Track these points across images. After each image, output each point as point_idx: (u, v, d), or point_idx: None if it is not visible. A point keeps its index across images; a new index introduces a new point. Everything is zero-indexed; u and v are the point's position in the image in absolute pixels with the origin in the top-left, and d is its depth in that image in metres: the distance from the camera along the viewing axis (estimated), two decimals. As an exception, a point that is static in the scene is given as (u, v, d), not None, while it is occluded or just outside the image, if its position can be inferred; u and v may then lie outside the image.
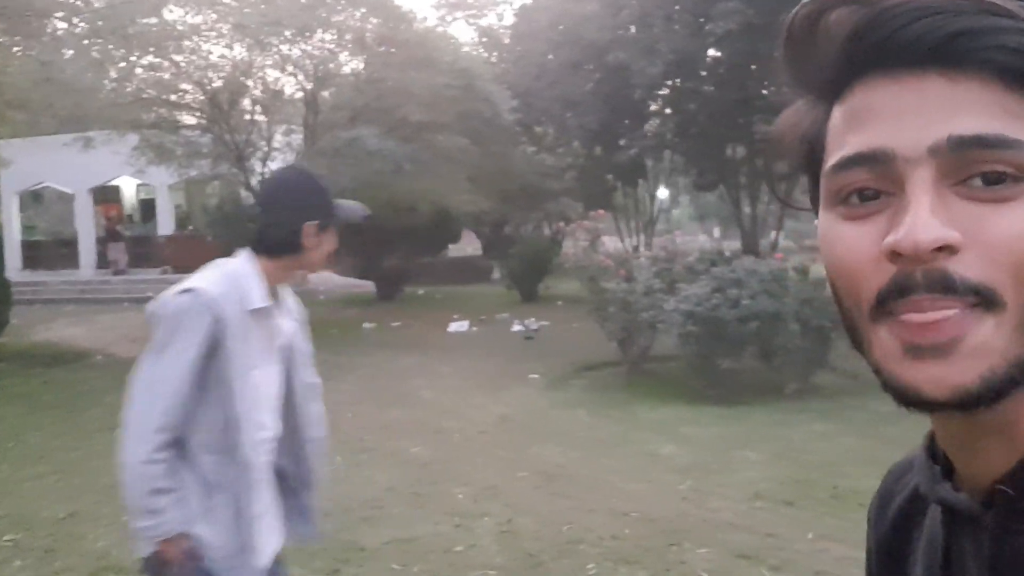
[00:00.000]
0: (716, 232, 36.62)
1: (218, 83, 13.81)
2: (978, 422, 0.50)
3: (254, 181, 14.16)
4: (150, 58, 12.89)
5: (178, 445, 2.00)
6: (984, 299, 0.46)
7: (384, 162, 13.10)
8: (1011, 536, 0.50)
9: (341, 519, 4.88)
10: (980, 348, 0.47)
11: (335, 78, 15.03)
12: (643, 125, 17.05)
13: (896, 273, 0.48)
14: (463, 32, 33.86)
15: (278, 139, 15.14)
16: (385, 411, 8.08)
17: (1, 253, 11.92)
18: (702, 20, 13.72)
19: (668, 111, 16.99)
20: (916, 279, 0.47)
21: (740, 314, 8.14)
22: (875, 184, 0.50)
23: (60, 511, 5.14)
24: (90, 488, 5.44)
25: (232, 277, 2.07)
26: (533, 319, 14.41)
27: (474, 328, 14.12)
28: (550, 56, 17.97)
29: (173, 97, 14.25)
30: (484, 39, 21.29)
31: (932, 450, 0.59)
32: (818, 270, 7.59)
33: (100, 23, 11.60)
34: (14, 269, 17.32)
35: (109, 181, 23.17)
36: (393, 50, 13.89)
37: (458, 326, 14.21)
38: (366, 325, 14.56)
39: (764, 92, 13.12)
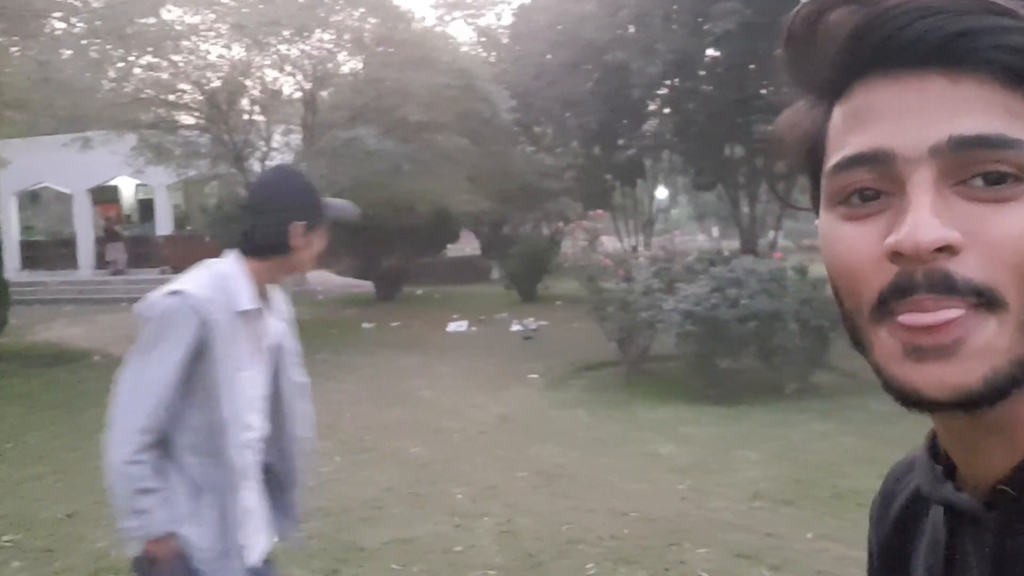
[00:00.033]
0: (715, 232, 36.62)
1: (216, 83, 13.80)
2: (980, 422, 0.50)
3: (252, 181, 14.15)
4: (148, 58, 12.87)
5: (164, 446, 2.00)
6: (986, 299, 0.46)
7: (383, 162, 13.10)
8: (1013, 536, 0.50)
9: (341, 519, 4.88)
10: (984, 349, 0.47)
11: (334, 78, 15.03)
12: (642, 125, 17.02)
13: (897, 273, 0.48)
14: (462, 32, 33.89)
15: (277, 139, 15.12)
16: (384, 411, 8.08)
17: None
18: (701, 20, 13.71)
19: (667, 111, 16.96)
20: (917, 279, 0.47)
21: (739, 314, 8.14)
22: (876, 184, 0.50)
23: (60, 511, 5.13)
24: (90, 488, 5.42)
25: (220, 278, 2.06)
26: (532, 319, 14.40)
27: (473, 328, 14.11)
28: (549, 56, 17.94)
29: (171, 97, 14.24)
30: (483, 39, 21.25)
31: (934, 450, 0.59)
32: (817, 270, 7.59)
33: (98, 23, 11.59)
34: (13, 269, 17.32)
35: (107, 181, 23.16)
36: (392, 50, 13.87)
37: (457, 326, 14.20)
38: (365, 325, 14.55)
39: (763, 92, 13.10)
